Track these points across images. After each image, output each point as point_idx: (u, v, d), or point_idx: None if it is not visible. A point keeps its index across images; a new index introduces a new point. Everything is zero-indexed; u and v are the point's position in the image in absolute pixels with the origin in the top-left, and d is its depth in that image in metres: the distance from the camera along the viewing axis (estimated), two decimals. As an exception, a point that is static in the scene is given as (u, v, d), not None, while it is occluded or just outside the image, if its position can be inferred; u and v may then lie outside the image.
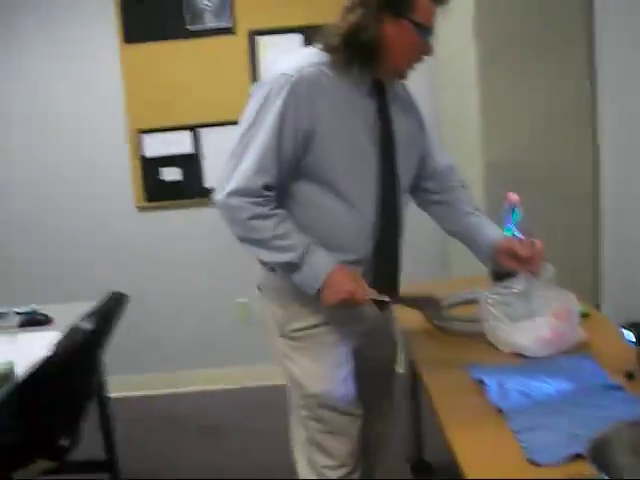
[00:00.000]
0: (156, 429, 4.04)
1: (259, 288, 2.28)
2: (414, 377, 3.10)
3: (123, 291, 2.92)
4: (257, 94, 2.06)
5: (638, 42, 2.72)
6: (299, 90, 1.99)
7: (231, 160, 2.05)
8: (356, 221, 2.13)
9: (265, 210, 2.02)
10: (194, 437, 3.92)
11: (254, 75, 4.22)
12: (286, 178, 2.07)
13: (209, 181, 4.31)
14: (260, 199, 2.02)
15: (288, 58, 2.10)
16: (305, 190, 2.10)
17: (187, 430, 4.00)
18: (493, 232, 2.34)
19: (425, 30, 2.05)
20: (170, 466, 3.61)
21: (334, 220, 2.12)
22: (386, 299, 2.18)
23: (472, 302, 2.75)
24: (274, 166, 2.02)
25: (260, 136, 2.01)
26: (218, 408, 4.25)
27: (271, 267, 2.18)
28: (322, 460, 2.24)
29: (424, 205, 2.46)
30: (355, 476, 2.27)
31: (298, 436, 2.29)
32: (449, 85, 3.78)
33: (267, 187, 2.02)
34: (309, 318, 2.18)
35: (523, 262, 2.27)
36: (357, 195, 2.12)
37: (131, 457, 3.52)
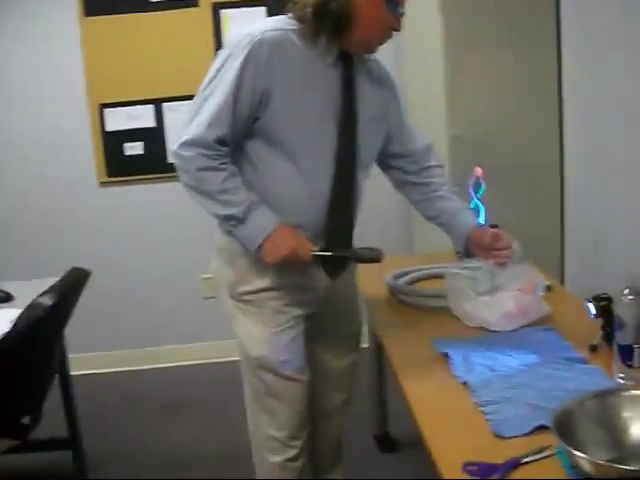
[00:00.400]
0: (120, 406, 4.01)
1: (215, 251, 2.30)
2: (379, 351, 3.09)
3: (86, 267, 2.88)
4: (221, 53, 2.09)
5: (603, 22, 2.72)
6: (261, 50, 2.01)
7: (189, 113, 2.07)
8: (306, 188, 2.13)
9: (215, 163, 2.04)
10: (158, 414, 3.90)
11: (217, 48, 4.14)
12: (241, 136, 2.09)
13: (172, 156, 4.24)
14: (211, 152, 2.03)
15: (257, 23, 2.11)
16: (258, 150, 2.12)
17: (151, 407, 3.98)
18: (467, 220, 2.35)
19: (394, 5, 2.07)
20: (134, 443, 3.59)
21: (283, 184, 2.13)
22: (328, 254, 2.19)
23: (437, 277, 2.76)
24: (229, 121, 2.03)
25: (218, 91, 2.03)
26: (182, 384, 4.23)
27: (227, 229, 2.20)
28: (265, 420, 2.29)
29: (399, 186, 2.46)
30: (299, 440, 2.30)
31: (246, 395, 2.34)
32: (415, 59, 3.76)
33: (220, 141, 2.04)
34: (257, 282, 2.20)
35: (491, 253, 2.30)
36: (310, 163, 2.12)
37: (95, 435, 3.49)
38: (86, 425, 3.36)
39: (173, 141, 2.08)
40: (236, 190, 2.06)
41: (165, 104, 4.24)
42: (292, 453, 2.30)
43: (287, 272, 2.18)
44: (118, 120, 4.24)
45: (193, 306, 4.45)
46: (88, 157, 4.29)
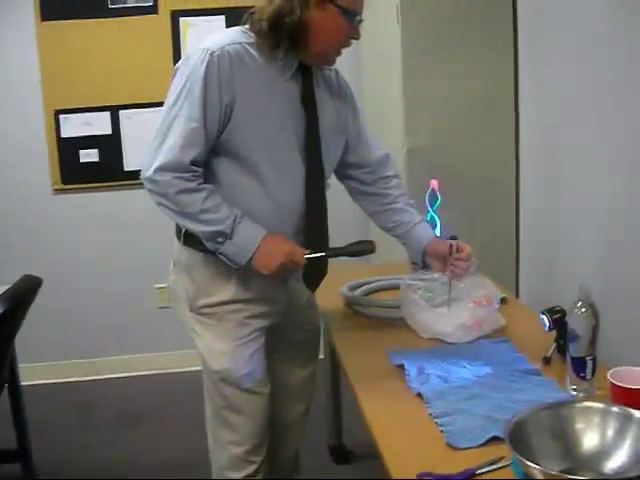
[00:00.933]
0: (72, 418, 3.95)
1: (174, 263, 2.27)
2: (334, 362, 3.09)
3: (39, 275, 2.84)
4: (181, 69, 2.06)
5: (562, 28, 2.75)
6: (221, 65, 1.99)
7: (157, 137, 2.03)
8: (271, 202, 2.12)
9: (193, 185, 2.01)
10: (111, 425, 3.84)
11: (176, 56, 4.13)
12: (208, 155, 2.06)
13: (129, 164, 4.21)
14: (188, 174, 2.00)
15: (213, 36, 2.10)
16: (222, 166, 2.09)
17: (104, 418, 3.92)
18: (424, 233, 2.37)
19: (351, 14, 2.06)
20: (87, 455, 3.53)
21: (248, 199, 2.11)
22: (322, 254, 2.18)
23: (393, 288, 2.76)
24: (201, 141, 2.01)
25: (185, 111, 2.00)
26: (138, 395, 4.18)
27: (185, 241, 2.18)
28: (226, 435, 2.25)
29: (356, 196, 2.46)
30: (259, 456, 2.28)
31: (207, 410, 2.31)
32: (373, 70, 3.78)
33: (194, 162, 2.02)
34: (218, 294, 2.17)
35: (450, 265, 2.30)
36: (273, 177, 2.11)
37: (45, 447, 3.43)
38: (36, 437, 3.30)
39: (144, 166, 2.03)
40: (218, 207, 2.03)
41: (122, 111, 4.20)
42: (252, 469, 2.27)
43: (250, 284, 2.17)
44: (73, 126, 4.19)
45: (147, 316, 4.41)
46: (42, 164, 4.23)
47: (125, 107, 4.20)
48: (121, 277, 4.38)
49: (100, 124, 4.20)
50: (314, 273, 2.27)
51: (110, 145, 4.23)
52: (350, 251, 2.22)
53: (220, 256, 2.08)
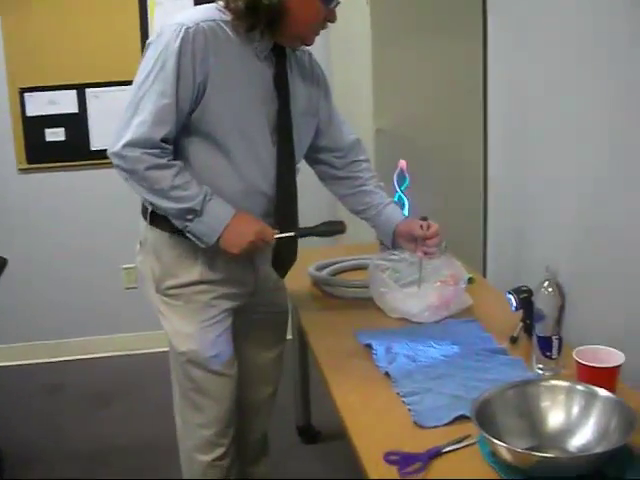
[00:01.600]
0: (41, 399, 3.91)
1: (140, 243, 2.24)
2: (302, 343, 3.09)
3: (5, 255, 2.81)
4: (153, 44, 2.02)
5: (531, 11, 2.76)
6: (196, 41, 1.96)
7: (127, 111, 1.99)
8: (240, 182, 2.11)
9: (163, 161, 1.99)
10: (82, 406, 3.81)
11: (143, 34, 4.07)
12: (178, 133, 2.04)
13: (96, 143, 4.16)
14: (157, 150, 1.98)
15: (187, 11, 2.07)
16: (191, 145, 2.07)
17: (74, 400, 3.89)
18: (393, 214, 2.37)
19: None
20: (57, 437, 3.50)
21: (218, 179, 2.09)
22: (291, 234, 2.16)
23: (361, 268, 2.77)
24: (172, 118, 1.98)
25: (157, 87, 1.96)
26: (106, 376, 4.15)
27: (151, 221, 2.15)
28: (194, 417, 2.25)
29: (326, 180, 2.45)
30: (226, 438, 2.28)
31: (174, 393, 2.30)
32: (343, 52, 3.77)
33: (165, 140, 1.99)
34: (185, 275, 2.15)
35: (420, 245, 2.30)
36: (243, 158, 2.09)
37: (13, 429, 3.41)
38: (4, 420, 3.27)
39: (112, 141, 1.99)
40: (188, 184, 2.01)
41: (88, 90, 4.14)
42: (220, 451, 2.27)
43: (217, 265, 2.16)
44: (39, 105, 4.13)
45: (114, 296, 4.38)
46: (7, 143, 4.16)
47: (92, 85, 4.13)
48: (88, 258, 4.33)
49: (66, 103, 4.13)
50: (283, 259, 2.27)
51: (76, 124, 4.17)
52: (321, 231, 2.22)
53: (188, 235, 2.07)
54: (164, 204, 2.03)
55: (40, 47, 4.08)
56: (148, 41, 2.07)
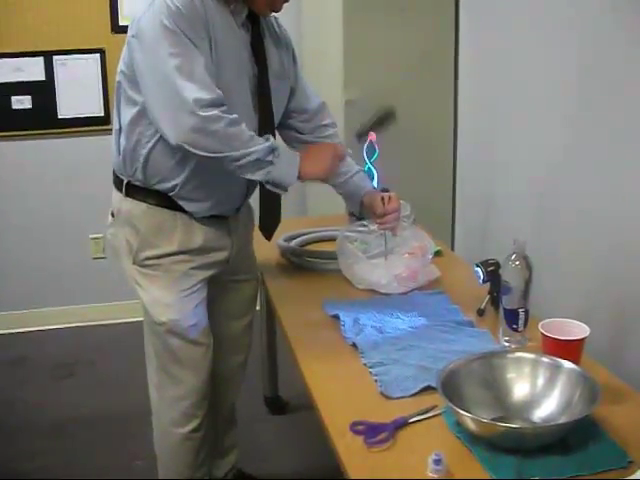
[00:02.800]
0: (6, 371, 3.87)
1: (112, 214, 2.22)
2: (270, 313, 3.09)
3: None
4: (152, 29, 1.95)
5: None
6: (193, 8, 1.93)
7: (170, 93, 1.93)
8: None
9: (234, 116, 1.96)
10: (47, 377, 3.79)
11: (113, 2, 4.01)
12: None
13: (63, 111, 4.10)
14: (225, 107, 1.95)
15: None
16: None
17: (40, 370, 3.86)
18: (361, 183, 2.38)
19: None
20: (23, 408, 3.47)
21: None
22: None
23: (330, 239, 2.76)
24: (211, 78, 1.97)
25: (190, 56, 1.93)
26: (71, 347, 4.11)
27: (127, 192, 2.13)
28: (172, 390, 2.24)
29: (294, 145, 2.43)
30: (202, 409, 2.28)
31: (150, 367, 2.29)
32: (314, 22, 3.74)
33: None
34: (163, 246, 2.14)
35: (382, 218, 2.31)
36: None
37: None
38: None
39: (172, 127, 1.94)
40: (253, 134, 2.01)
41: (56, 57, 4.07)
42: (196, 423, 2.27)
43: (195, 234, 2.15)
44: (4, 72, 4.05)
45: (82, 267, 4.34)
46: (-28, 110, 4.10)
47: (59, 53, 4.05)
48: (55, 227, 4.28)
49: (33, 70, 4.07)
50: (270, 220, 2.29)
51: (43, 92, 4.09)
52: (376, 121, 2.21)
53: (267, 183, 2.03)
54: (243, 158, 1.97)
55: (6, 13, 3.99)
56: (140, 30, 1.98)
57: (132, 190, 2.12)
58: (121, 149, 2.13)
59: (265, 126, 2.16)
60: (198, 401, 2.26)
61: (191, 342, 2.19)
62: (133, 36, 2.00)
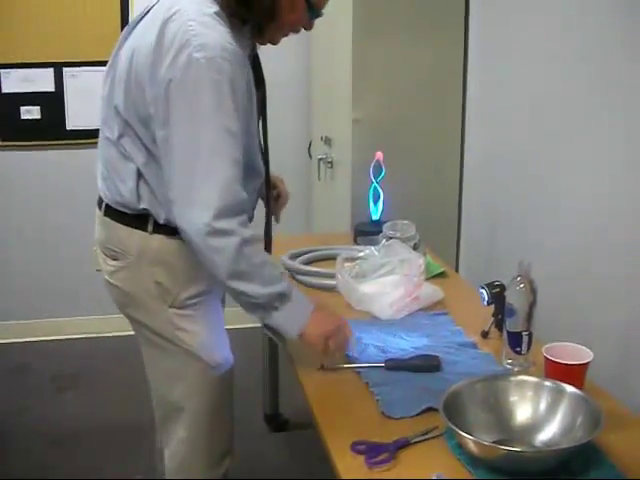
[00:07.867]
0: (8, 380, 3.87)
1: (121, 257, 2.05)
2: (273, 331, 3.08)
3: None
4: (194, 83, 1.74)
5: (512, 10, 2.77)
6: (232, 72, 1.76)
7: (194, 169, 1.74)
8: (247, 172, 1.90)
9: (251, 232, 1.79)
10: (49, 388, 3.78)
11: (124, 14, 4.03)
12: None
13: (72, 123, 4.12)
14: (245, 216, 1.79)
15: (184, 9, 1.79)
16: None
17: (41, 381, 3.85)
18: None
19: (315, 11, 1.97)
20: (24, 418, 3.47)
21: None
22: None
23: (334, 258, 2.76)
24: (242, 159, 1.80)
25: (222, 126, 1.74)
26: (73, 358, 4.12)
27: (155, 229, 1.92)
28: (208, 440, 2.07)
29: None
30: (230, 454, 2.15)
31: (170, 422, 2.07)
32: (322, 40, 3.75)
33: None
34: (202, 282, 1.96)
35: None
36: (249, 160, 1.92)
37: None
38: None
39: (183, 215, 1.74)
40: (272, 261, 1.85)
41: (66, 69, 4.09)
42: (223, 469, 2.12)
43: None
44: (14, 82, 4.08)
45: (86, 278, 4.32)
46: (-19, 119, 4.12)
47: (69, 65, 4.08)
48: (59, 238, 4.29)
49: (43, 81, 4.09)
50: (266, 240, 2.20)
51: (53, 103, 4.12)
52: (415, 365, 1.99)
53: (265, 329, 1.91)
54: (254, 286, 1.79)
55: (17, 24, 4.02)
56: (173, 81, 1.74)
57: (161, 226, 1.91)
58: (140, 191, 1.92)
59: (265, 138, 2.10)
60: (228, 443, 2.15)
61: (229, 379, 2.08)
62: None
